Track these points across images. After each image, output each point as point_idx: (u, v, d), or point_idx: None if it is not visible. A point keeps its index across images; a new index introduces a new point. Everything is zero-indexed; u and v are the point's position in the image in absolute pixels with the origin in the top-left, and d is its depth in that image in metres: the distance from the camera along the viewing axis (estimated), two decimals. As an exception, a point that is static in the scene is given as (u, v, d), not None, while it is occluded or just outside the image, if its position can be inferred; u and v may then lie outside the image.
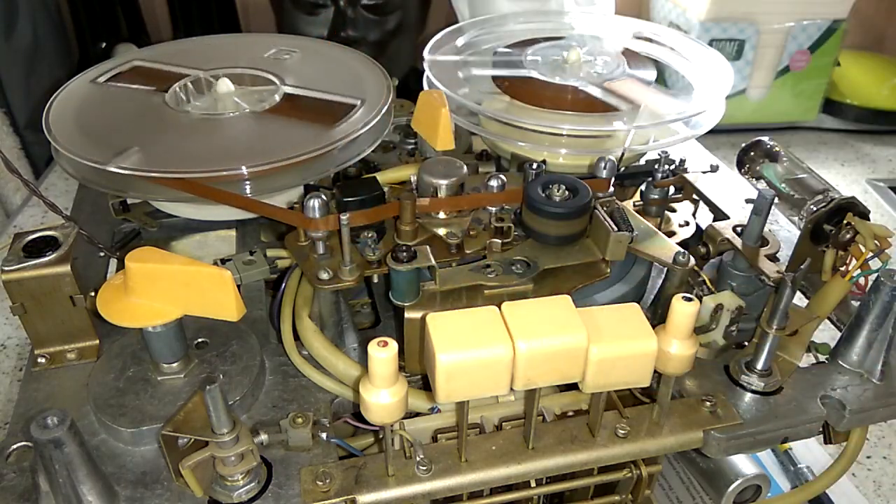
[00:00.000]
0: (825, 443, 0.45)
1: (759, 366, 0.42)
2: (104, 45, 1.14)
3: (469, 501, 0.42)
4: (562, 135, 0.54)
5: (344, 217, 0.41)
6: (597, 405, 0.39)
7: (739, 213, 0.53)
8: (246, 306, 0.39)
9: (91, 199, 0.59)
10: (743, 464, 0.47)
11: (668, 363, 0.36)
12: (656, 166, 0.54)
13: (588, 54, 0.62)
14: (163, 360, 0.41)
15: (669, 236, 0.48)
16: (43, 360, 0.44)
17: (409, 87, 0.66)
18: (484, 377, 0.33)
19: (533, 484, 0.42)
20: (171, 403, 0.40)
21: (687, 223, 0.56)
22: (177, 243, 0.54)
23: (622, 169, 0.54)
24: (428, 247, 0.42)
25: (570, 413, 0.43)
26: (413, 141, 0.61)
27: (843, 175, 1.11)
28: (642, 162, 0.59)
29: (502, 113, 0.56)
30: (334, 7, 1.04)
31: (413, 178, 0.49)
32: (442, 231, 0.46)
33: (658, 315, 0.48)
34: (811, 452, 0.65)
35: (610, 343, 0.34)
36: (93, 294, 0.43)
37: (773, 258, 0.47)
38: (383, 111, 0.55)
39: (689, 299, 0.34)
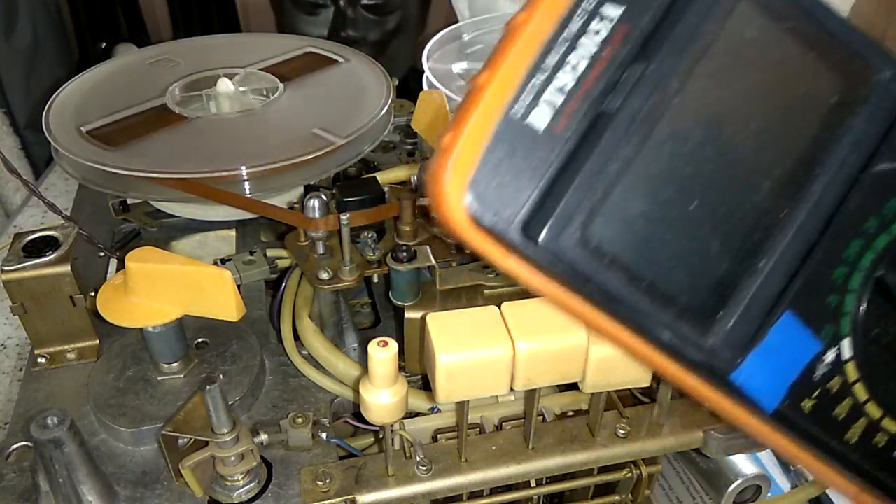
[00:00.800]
0: (825, 443, 0.45)
1: (759, 366, 0.42)
2: (104, 45, 1.14)
3: (469, 501, 0.42)
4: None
5: (344, 217, 0.41)
6: (597, 405, 0.39)
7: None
8: (246, 306, 0.39)
9: (91, 199, 0.59)
10: (743, 464, 0.47)
11: (668, 363, 0.36)
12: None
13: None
14: (163, 360, 0.41)
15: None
16: (43, 360, 0.44)
17: (409, 87, 0.66)
18: (484, 377, 0.33)
19: (533, 484, 0.42)
20: (171, 403, 0.40)
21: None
22: (177, 243, 0.54)
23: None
24: (428, 247, 0.42)
25: (570, 413, 0.43)
26: (413, 141, 0.61)
27: (843, 175, 1.11)
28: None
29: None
30: (334, 7, 1.04)
31: (413, 178, 0.49)
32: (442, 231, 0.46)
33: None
34: (811, 452, 0.65)
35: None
36: (93, 294, 0.43)
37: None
38: (383, 111, 0.55)
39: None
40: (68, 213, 0.49)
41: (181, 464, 0.34)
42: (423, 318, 0.34)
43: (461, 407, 0.36)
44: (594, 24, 0.22)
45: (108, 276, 0.52)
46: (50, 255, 0.42)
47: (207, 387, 0.33)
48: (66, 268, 0.42)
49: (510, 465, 0.38)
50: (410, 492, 0.37)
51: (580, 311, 0.24)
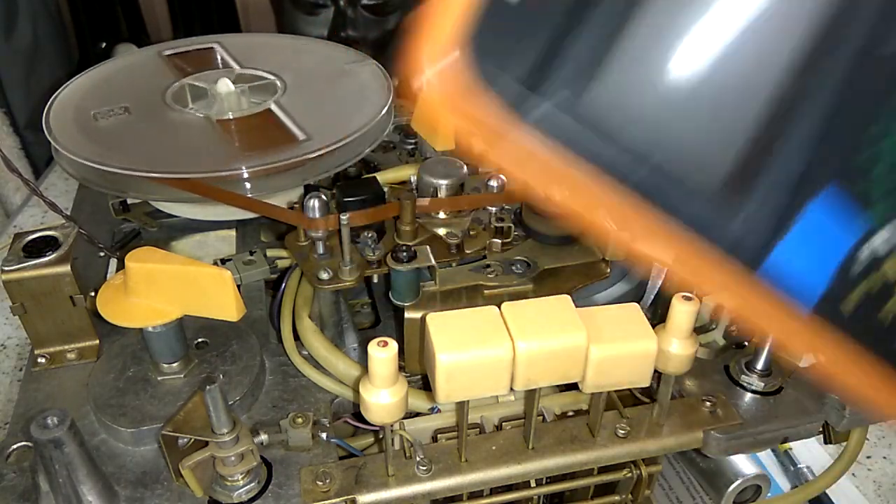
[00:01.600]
0: (825, 443, 0.45)
1: (759, 366, 0.42)
2: (104, 45, 1.14)
3: (469, 501, 0.42)
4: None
5: (344, 217, 0.41)
6: (597, 405, 0.39)
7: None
8: (246, 306, 0.39)
9: (91, 199, 0.59)
10: (743, 464, 0.47)
11: (669, 362, 0.36)
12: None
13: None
14: (163, 360, 0.41)
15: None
16: (43, 360, 0.44)
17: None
18: (484, 377, 0.33)
19: (533, 484, 0.42)
20: (171, 403, 0.40)
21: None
22: (177, 243, 0.54)
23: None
24: (428, 247, 0.42)
25: (570, 413, 0.43)
26: (413, 141, 0.61)
27: (843, 175, 1.11)
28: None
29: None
30: (334, 7, 1.04)
31: (413, 178, 0.49)
32: (442, 231, 0.46)
33: (658, 315, 0.48)
34: (811, 452, 0.65)
35: (610, 343, 0.34)
36: (93, 294, 0.43)
37: (773, 258, 0.46)
38: (383, 111, 0.55)
39: (690, 298, 0.35)
40: (68, 213, 0.49)
41: (181, 464, 0.34)
42: (423, 318, 0.34)
43: (461, 407, 0.36)
44: None
45: (108, 276, 0.52)
46: (50, 255, 0.42)
47: (207, 387, 0.33)
48: (66, 268, 0.42)
49: (510, 465, 0.38)
50: (410, 492, 0.37)
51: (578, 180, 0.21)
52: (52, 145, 0.51)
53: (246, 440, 0.35)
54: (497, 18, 0.20)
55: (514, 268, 0.43)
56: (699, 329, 0.43)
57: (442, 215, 0.47)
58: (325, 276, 0.42)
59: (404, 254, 0.41)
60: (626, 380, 0.35)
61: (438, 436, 0.42)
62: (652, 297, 0.54)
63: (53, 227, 0.44)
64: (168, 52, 0.64)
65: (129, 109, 0.55)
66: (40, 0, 1.08)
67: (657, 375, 0.37)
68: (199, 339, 0.44)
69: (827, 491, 0.60)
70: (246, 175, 0.48)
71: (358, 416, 0.38)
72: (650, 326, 0.35)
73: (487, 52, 0.20)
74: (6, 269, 0.42)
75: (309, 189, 0.50)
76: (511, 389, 0.34)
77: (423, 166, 0.47)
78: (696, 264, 0.22)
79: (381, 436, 0.39)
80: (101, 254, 0.51)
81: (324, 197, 0.43)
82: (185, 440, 0.36)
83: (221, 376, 0.42)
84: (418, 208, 0.46)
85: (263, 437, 0.38)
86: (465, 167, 0.47)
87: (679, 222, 0.21)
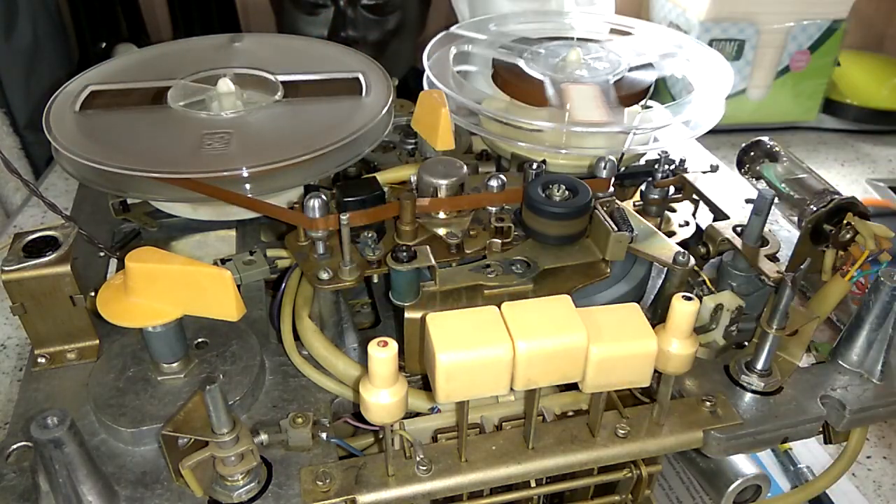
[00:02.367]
0: (825, 443, 0.45)
1: (759, 366, 0.42)
2: (104, 45, 1.14)
3: (469, 501, 0.42)
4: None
5: (344, 217, 0.41)
6: (597, 405, 0.39)
7: (739, 213, 0.53)
8: (246, 306, 0.39)
9: (91, 199, 0.59)
10: (743, 464, 0.47)
11: (668, 362, 0.36)
12: (656, 166, 0.54)
13: (587, 55, 0.62)
14: (163, 360, 0.41)
15: (669, 236, 0.48)
16: (43, 360, 0.44)
17: (409, 87, 0.66)
18: (484, 377, 0.33)
19: (533, 484, 0.42)
20: (171, 403, 0.40)
21: (687, 223, 0.56)
22: (177, 243, 0.54)
23: (622, 169, 0.54)
24: (428, 247, 0.42)
25: (570, 413, 0.43)
26: (413, 141, 0.61)
27: (843, 175, 1.11)
28: (642, 162, 0.59)
29: (502, 113, 0.56)
30: (334, 7, 1.04)
31: (413, 178, 0.49)
32: (442, 231, 0.46)
33: (658, 315, 0.48)
34: (811, 452, 0.65)
35: (610, 343, 0.34)
36: (93, 294, 0.43)
37: (773, 258, 0.47)
38: (383, 111, 0.55)
39: (689, 299, 0.35)
40: (68, 213, 0.49)
41: (181, 464, 0.34)
42: (423, 318, 0.34)
43: (461, 407, 0.37)
44: None
45: (108, 276, 0.52)
46: (50, 255, 0.42)
47: (207, 387, 0.33)
48: (66, 268, 0.42)
49: (510, 465, 0.38)
50: (410, 492, 0.37)
51: None
52: (52, 145, 0.51)
53: (246, 440, 0.35)
54: None
55: (514, 268, 0.43)
56: (699, 329, 0.43)
57: (442, 215, 0.47)
58: (325, 276, 0.42)
59: (404, 254, 0.41)
60: (626, 380, 0.35)
61: (438, 436, 0.42)
62: (652, 297, 0.54)
63: (53, 227, 0.44)
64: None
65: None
66: (40, 0, 1.08)
67: (657, 375, 0.37)
68: (199, 339, 0.44)
69: (827, 491, 0.60)
70: (246, 175, 0.48)
71: (358, 416, 0.38)
72: (650, 326, 0.35)
73: None
74: (6, 269, 0.42)
75: (309, 189, 0.50)
76: (511, 389, 0.34)
77: (423, 166, 0.48)
78: None
79: (381, 436, 0.39)
80: (101, 254, 0.51)
81: (324, 197, 0.43)
82: (185, 440, 0.36)
83: (221, 376, 0.42)
84: (418, 208, 0.46)
85: (263, 437, 0.38)
86: (464, 167, 0.47)
87: None
